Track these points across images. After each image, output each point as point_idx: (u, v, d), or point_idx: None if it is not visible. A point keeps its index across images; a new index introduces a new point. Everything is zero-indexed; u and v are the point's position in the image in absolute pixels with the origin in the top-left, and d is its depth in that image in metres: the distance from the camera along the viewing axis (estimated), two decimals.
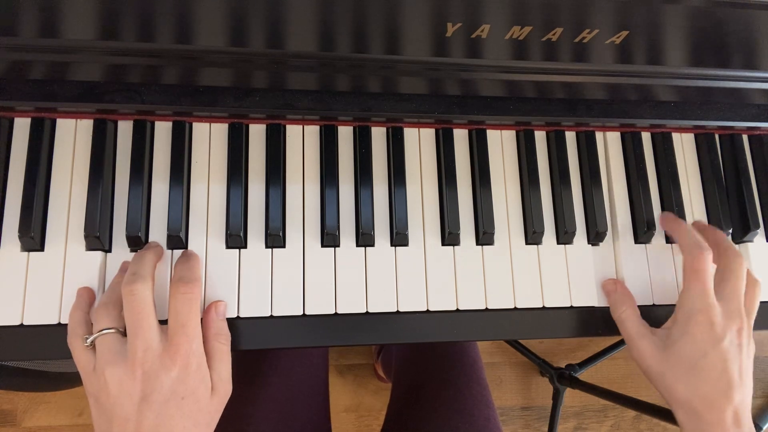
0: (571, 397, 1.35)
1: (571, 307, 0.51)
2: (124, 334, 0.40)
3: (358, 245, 0.49)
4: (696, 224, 0.52)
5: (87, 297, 0.44)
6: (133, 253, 0.46)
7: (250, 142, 0.50)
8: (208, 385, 0.41)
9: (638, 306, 0.49)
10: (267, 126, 0.50)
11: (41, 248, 0.45)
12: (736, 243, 0.55)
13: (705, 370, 0.43)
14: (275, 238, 0.47)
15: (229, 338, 0.44)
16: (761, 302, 0.53)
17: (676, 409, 0.45)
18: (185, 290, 0.41)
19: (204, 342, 0.43)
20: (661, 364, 0.45)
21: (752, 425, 0.43)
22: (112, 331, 0.40)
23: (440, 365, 0.74)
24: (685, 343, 0.44)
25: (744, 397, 0.43)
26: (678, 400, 0.44)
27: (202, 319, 0.44)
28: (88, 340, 0.40)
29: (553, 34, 0.41)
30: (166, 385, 0.39)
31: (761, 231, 0.56)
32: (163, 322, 0.41)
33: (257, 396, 0.63)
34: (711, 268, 0.45)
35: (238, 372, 0.66)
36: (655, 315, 0.50)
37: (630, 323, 0.48)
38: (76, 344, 0.41)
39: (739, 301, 0.45)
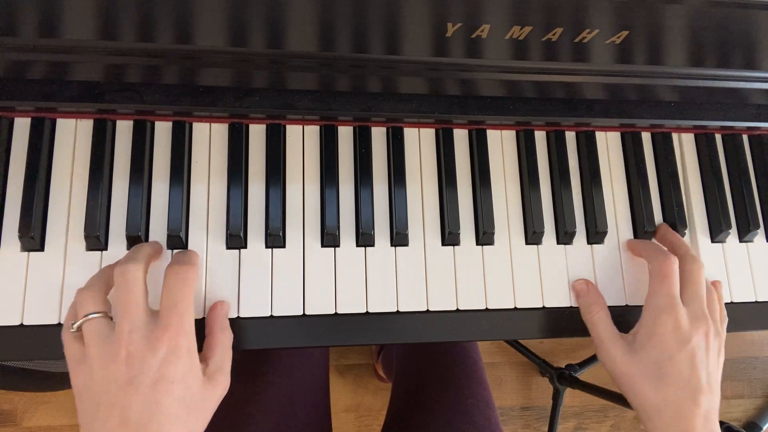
0: (571, 397, 1.35)
1: (572, 307, 0.51)
2: (111, 318, 0.39)
3: (358, 245, 0.49)
4: (662, 227, 0.52)
5: None
6: None
7: (250, 142, 0.50)
8: (198, 372, 0.39)
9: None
10: (267, 126, 0.50)
11: (41, 248, 0.45)
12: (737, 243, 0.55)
13: (672, 374, 0.42)
14: (275, 238, 0.47)
15: (232, 336, 0.44)
16: (760, 302, 0.53)
17: (645, 415, 0.43)
18: (179, 270, 0.40)
19: (209, 335, 0.43)
20: (629, 368, 0.44)
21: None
22: (99, 315, 0.38)
23: (441, 366, 0.74)
24: (653, 345, 0.43)
25: (712, 403, 0.42)
26: (646, 406, 0.43)
27: (208, 314, 0.45)
28: (74, 325, 0.38)
29: (553, 34, 0.41)
30: (154, 366, 0.36)
31: (761, 231, 0.56)
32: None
33: (258, 395, 0.63)
34: (677, 272, 0.45)
35: (239, 371, 0.66)
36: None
37: (602, 326, 0.47)
38: (66, 336, 0.39)
39: (701, 303, 0.45)
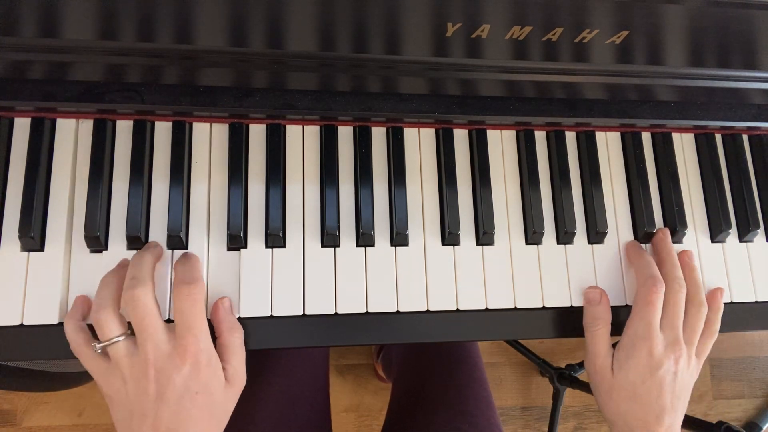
0: (571, 397, 1.35)
1: (572, 307, 0.51)
2: (131, 333, 0.41)
3: (358, 245, 0.49)
4: (659, 234, 0.52)
5: (82, 306, 0.44)
6: (133, 253, 0.46)
7: (250, 142, 0.50)
8: (220, 378, 0.42)
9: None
10: (267, 126, 0.50)
11: (41, 248, 0.45)
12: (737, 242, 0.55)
13: (643, 396, 0.47)
14: (275, 238, 0.47)
15: (242, 330, 0.45)
16: (760, 302, 0.53)
17: (614, 425, 0.49)
18: (188, 291, 0.41)
19: (219, 336, 0.44)
20: (611, 385, 0.48)
21: None
22: (122, 338, 0.40)
23: (441, 366, 0.74)
24: (629, 368, 0.47)
25: (674, 421, 0.47)
26: (618, 419, 0.48)
27: (212, 316, 0.45)
28: (98, 348, 0.41)
29: (553, 34, 0.41)
30: (179, 383, 0.40)
31: (761, 231, 0.56)
32: (168, 320, 0.42)
33: (259, 395, 0.63)
34: (661, 301, 0.48)
35: None
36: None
37: (602, 342, 0.49)
38: (84, 352, 0.41)
39: (677, 330, 0.48)
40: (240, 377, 0.44)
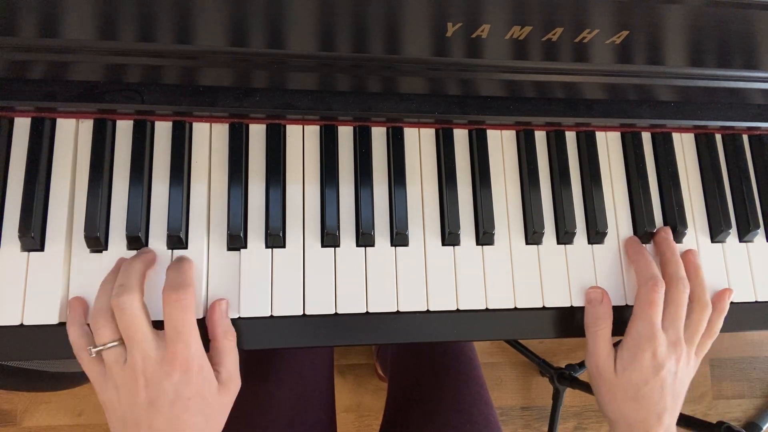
0: (571, 397, 1.35)
1: (572, 307, 0.51)
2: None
3: (358, 245, 0.49)
4: (660, 233, 0.52)
5: (80, 308, 0.44)
6: (133, 253, 0.46)
7: (250, 142, 0.50)
8: (213, 382, 0.42)
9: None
10: (267, 126, 0.50)
11: (41, 248, 0.45)
12: (737, 242, 0.55)
13: (645, 398, 0.47)
14: (275, 238, 0.47)
15: (235, 335, 0.45)
16: (760, 302, 0.53)
17: (615, 423, 0.49)
18: (176, 297, 0.41)
19: (212, 340, 0.44)
20: (613, 385, 0.48)
21: None
22: (116, 343, 0.41)
23: (437, 364, 0.74)
24: (633, 370, 0.47)
25: (673, 420, 0.48)
26: (619, 417, 0.49)
27: (208, 317, 0.45)
28: (93, 352, 0.41)
29: (554, 34, 0.41)
30: (170, 390, 0.40)
31: (761, 231, 0.56)
32: (159, 323, 0.42)
33: (271, 394, 0.63)
34: (662, 300, 0.48)
35: (250, 369, 0.66)
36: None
37: (603, 342, 0.49)
38: (83, 356, 0.42)
39: (678, 330, 0.48)
40: (234, 380, 0.44)
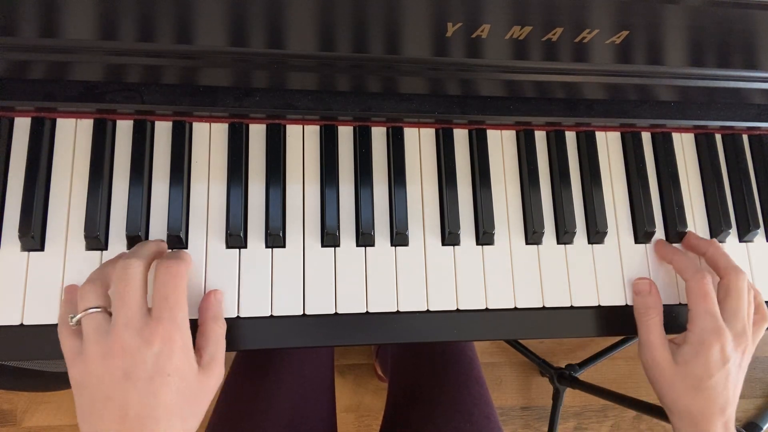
0: (571, 397, 1.35)
1: (572, 307, 0.51)
2: (109, 312, 0.39)
3: (358, 245, 0.49)
4: (691, 236, 0.52)
5: (75, 291, 0.43)
6: None
7: (250, 142, 0.50)
8: (194, 363, 0.39)
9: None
10: (267, 126, 0.50)
11: (41, 248, 0.45)
12: (737, 243, 0.55)
13: (709, 389, 0.46)
14: (275, 238, 0.47)
15: (225, 326, 0.44)
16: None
17: (675, 415, 0.48)
18: (168, 265, 0.40)
19: (201, 324, 0.43)
20: (672, 377, 0.47)
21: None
22: (99, 310, 0.38)
23: (437, 364, 0.74)
24: (697, 364, 0.46)
25: (733, 410, 0.47)
26: (679, 409, 0.47)
27: (201, 302, 0.44)
28: (74, 320, 0.39)
29: (554, 34, 0.41)
30: (149, 360, 0.37)
31: (761, 231, 0.56)
32: None
33: (271, 393, 0.63)
34: (713, 290, 0.47)
35: (250, 368, 0.66)
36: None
37: (656, 332, 0.48)
38: (63, 330, 0.40)
39: (744, 321, 0.47)
40: (218, 367, 0.41)
